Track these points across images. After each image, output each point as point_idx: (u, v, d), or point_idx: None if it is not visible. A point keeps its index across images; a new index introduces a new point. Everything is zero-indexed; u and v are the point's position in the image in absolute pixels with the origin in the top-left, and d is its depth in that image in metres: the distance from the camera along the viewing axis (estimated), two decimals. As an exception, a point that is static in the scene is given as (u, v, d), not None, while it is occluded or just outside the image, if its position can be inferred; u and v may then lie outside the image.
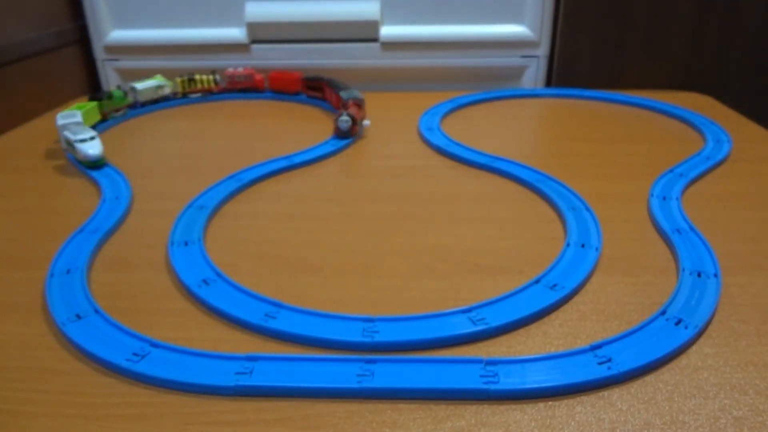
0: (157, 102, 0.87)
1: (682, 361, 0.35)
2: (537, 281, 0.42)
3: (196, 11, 0.95)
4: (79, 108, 0.73)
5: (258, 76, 0.92)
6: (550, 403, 0.32)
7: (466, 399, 0.33)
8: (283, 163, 0.65)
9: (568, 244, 0.47)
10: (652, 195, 0.56)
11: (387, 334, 0.37)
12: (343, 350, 0.37)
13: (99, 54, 0.98)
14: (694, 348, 0.36)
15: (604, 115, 0.82)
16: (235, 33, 0.95)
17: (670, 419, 0.31)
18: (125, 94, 0.83)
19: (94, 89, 1.02)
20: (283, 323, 0.38)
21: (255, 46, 0.96)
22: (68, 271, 0.45)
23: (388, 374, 0.34)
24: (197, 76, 0.90)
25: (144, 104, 0.86)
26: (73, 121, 0.70)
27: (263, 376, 0.34)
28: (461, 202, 0.57)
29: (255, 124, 0.81)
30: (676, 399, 0.32)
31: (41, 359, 0.36)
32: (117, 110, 0.82)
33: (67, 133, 0.66)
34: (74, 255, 0.47)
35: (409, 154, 0.70)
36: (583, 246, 0.47)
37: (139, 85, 0.85)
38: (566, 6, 0.90)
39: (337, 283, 0.44)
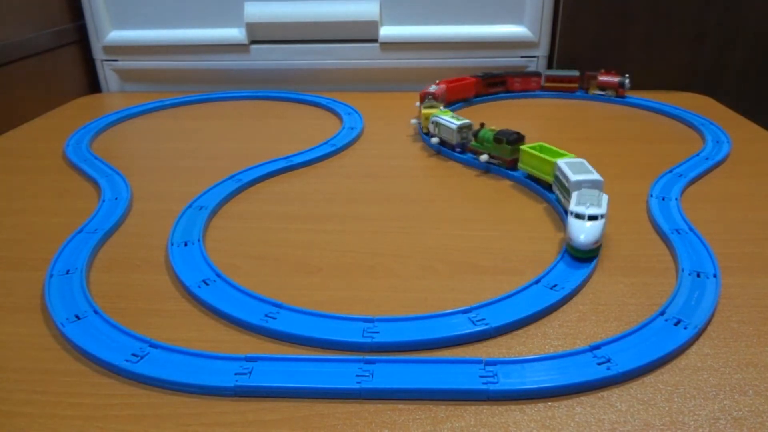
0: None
1: (682, 361, 0.35)
2: (537, 281, 0.42)
3: (195, 12, 0.95)
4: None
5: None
6: (549, 403, 0.32)
7: (466, 399, 0.33)
8: (283, 163, 0.65)
9: (567, 245, 0.47)
10: (652, 195, 0.56)
11: (387, 334, 0.37)
12: (343, 351, 0.37)
13: (98, 54, 0.98)
14: (693, 348, 0.36)
15: (603, 115, 0.82)
16: (235, 33, 0.95)
17: (670, 420, 0.31)
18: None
19: (93, 89, 1.02)
20: (282, 324, 0.38)
21: (254, 47, 0.96)
22: (67, 272, 0.45)
23: (387, 375, 0.34)
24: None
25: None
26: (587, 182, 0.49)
27: (263, 377, 0.34)
28: (461, 202, 0.57)
29: (255, 125, 0.81)
30: (676, 400, 0.32)
31: (40, 360, 0.36)
32: None
33: (575, 205, 0.46)
34: (73, 255, 0.47)
35: (408, 154, 0.69)
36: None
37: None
38: (566, 6, 0.90)
39: (337, 283, 0.44)
